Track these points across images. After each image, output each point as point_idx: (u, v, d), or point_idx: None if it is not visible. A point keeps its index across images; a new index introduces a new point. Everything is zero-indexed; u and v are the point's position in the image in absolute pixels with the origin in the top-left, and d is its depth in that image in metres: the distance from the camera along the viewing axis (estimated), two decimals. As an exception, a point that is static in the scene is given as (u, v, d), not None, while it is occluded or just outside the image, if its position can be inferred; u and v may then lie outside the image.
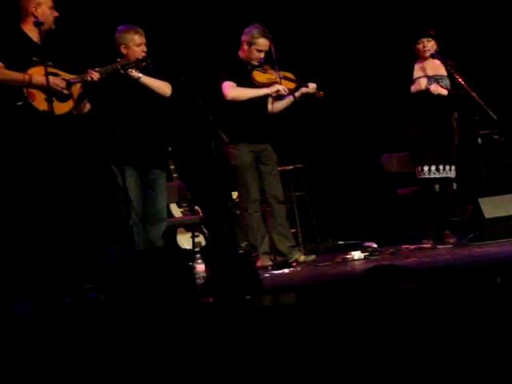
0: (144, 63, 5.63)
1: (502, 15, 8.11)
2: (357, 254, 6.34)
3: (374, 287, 3.44)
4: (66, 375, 3.11)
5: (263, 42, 6.34)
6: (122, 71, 5.44)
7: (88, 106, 5.38)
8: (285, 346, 2.98)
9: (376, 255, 6.35)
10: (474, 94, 6.54)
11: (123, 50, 5.63)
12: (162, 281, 3.27)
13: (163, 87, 5.71)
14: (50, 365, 3.18)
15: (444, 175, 6.57)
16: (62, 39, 5.13)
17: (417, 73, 6.66)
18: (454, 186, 6.73)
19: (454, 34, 7.86)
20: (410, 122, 6.67)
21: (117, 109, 5.61)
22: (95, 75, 5.14)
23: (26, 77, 4.83)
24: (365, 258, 6.30)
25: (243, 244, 7.44)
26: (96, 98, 5.41)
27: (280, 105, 6.64)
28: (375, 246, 7.00)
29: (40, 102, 4.88)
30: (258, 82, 6.38)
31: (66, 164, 4.95)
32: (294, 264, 6.36)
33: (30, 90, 4.85)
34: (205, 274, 6.21)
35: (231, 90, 6.31)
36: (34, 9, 4.97)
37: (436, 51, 6.61)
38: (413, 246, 6.55)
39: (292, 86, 6.50)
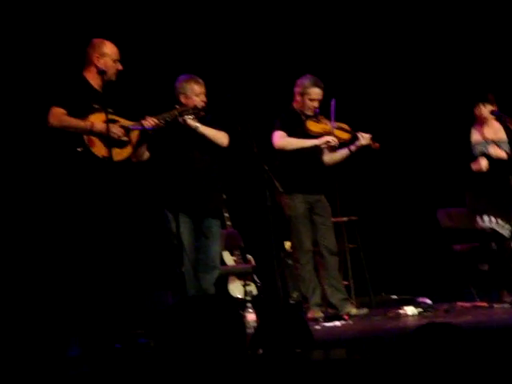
0: (202, 112, 5.69)
1: None
2: (410, 310, 6.24)
3: (427, 346, 3.37)
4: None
5: (316, 91, 6.39)
6: (180, 119, 5.50)
7: (147, 154, 5.46)
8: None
9: (430, 311, 6.25)
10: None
11: (182, 99, 5.70)
12: (213, 329, 3.25)
13: (220, 137, 5.76)
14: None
15: (499, 230, 6.45)
16: (121, 86, 5.22)
17: (474, 136, 6.63)
18: (512, 244, 6.61)
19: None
20: (468, 189, 6.61)
21: (174, 156, 5.67)
22: (153, 122, 5.20)
23: (88, 124, 4.92)
24: (418, 313, 6.20)
25: (295, 295, 7.38)
26: (154, 145, 5.48)
27: (335, 157, 6.64)
28: (429, 301, 6.89)
29: (99, 148, 4.95)
30: (312, 132, 6.41)
31: (122, 209, 5.00)
32: (346, 317, 6.28)
33: (90, 136, 4.93)
34: (255, 324, 6.16)
35: (280, 140, 6.35)
36: (96, 59, 5.09)
37: (493, 111, 6.56)
38: (468, 304, 6.43)
39: (346, 136, 6.51)
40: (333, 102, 6.39)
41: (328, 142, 6.38)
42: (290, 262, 7.31)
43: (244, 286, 7.31)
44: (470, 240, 6.81)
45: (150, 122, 5.19)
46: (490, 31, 8.15)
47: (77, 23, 7.05)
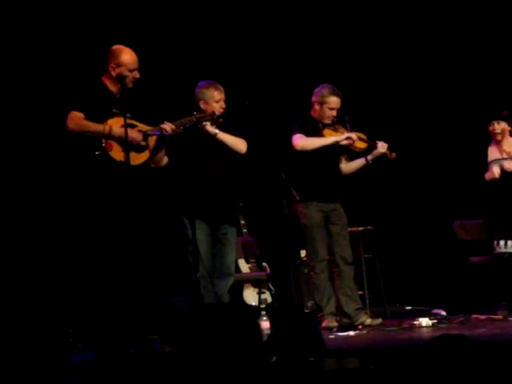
0: (221, 119, 5.71)
1: None
2: (424, 321, 6.22)
3: (441, 357, 3.36)
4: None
5: (334, 100, 6.40)
6: (198, 125, 5.52)
7: (166, 160, 5.48)
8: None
9: (444, 323, 6.23)
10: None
11: (202, 105, 5.72)
12: (229, 336, 3.26)
13: (239, 144, 5.77)
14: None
15: None
16: (140, 91, 5.24)
17: (491, 154, 6.61)
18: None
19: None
20: (486, 200, 6.59)
21: (192, 162, 5.69)
22: (171, 127, 5.23)
23: (106, 128, 4.94)
24: (433, 325, 6.18)
25: (309, 303, 7.38)
26: (173, 150, 5.50)
27: (352, 166, 6.64)
28: (444, 313, 6.87)
29: (117, 152, 4.98)
30: None
31: (139, 214, 5.01)
32: (360, 327, 6.28)
33: (108, 140, 4.96)
34: (269, 331, 6.17)
35: (300, 140, 6.37)
36: (112, 68, 5.10)
37: (510, 131, 6.54)
38: (483, 316, 6.40)
39: (363, 145, 6.51)
40: (346, 118, 6.41)
41: (349, 137, 6.39)
42: (305, 270, 7.31)
43: (259, 293, 7.31)
44: (487, 252, 6.77)
45: (168, 127, 5.22)
46: (506, 49, 8.14)
47: (98, 28, 7.11)
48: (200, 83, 5.82)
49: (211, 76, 5.93)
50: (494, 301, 6.66)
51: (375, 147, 6.50)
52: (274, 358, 3.98)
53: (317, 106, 6.47)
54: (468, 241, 7.35)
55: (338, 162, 6.58)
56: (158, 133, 5.20)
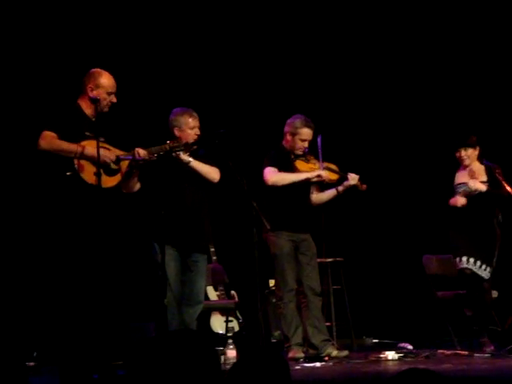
0: (195, 146, 5.71)
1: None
2: (391, 354, 6.22)
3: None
4: None
5: (306, 132, 6.42)
6: (172, 153, 5.51)
7: (138, 185, 5.46)
8: None
9: (411, 357, 6.23)
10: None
11: (176, 132, 5.72)
12: (187, 365, 3.22)
13: (212, 173, 5.77)
14: None
15: (479, 272, 6.47)
16: (114, 116, 5.24)
17: (457, 179, 6.68)
18: (495, 293, 6.63)
19: (499, 138, 7.89)
20: (451, 229, 6.66)
21: (164, 189, 5.68)
22: (143, 154, 5.22)
23: (79, 148, 4.93)
24: (399, 359, 6.17)
25: (276, 333, 7.36)
26: (146, 176, 5.49)
27: (323, 196, 6.65)
28: (410, 347, 6.88)
29: (88, 174, 4.96)
30: (301, 172, 6.44)
31: (108, 237, 4.98)
32: (327, 358, 6.26)
33: (80, 161, 4.94)
34: (235, 360, 6.13)
35: (272, 175, 6.37)
36: (90, 89, 5.11)
37: (479, 157, 6.63)
38: (449, 352, 6.41)
39: (335, 177, 6.54)
40: (319, 139, 6.42)
41: (319, 175, 6.41)
42: (273, 299, 7.29)
43: (226, 321, 7.28)
44: (454, 287, 6.81)
45: (141, 152, 5.21)
46: (474, 75, 8.26)
47: (74, 52, 7.10)
48: (174, 110, 5.82)
49: (185, 103, 5.94)
50: (460, 336, 6.68)
51: (346, 178, 6.53)
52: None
53: (289, 137, 6.49)
54: (436, 275, 7.39)
55: (309, 192, 6.59)
56: (131, 157, 5.19)
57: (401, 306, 8.18)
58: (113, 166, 5.08)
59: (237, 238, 7.68)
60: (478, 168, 6.68)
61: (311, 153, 6.50)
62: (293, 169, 6.44)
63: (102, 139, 4.98)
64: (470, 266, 6.46)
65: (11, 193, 6.87)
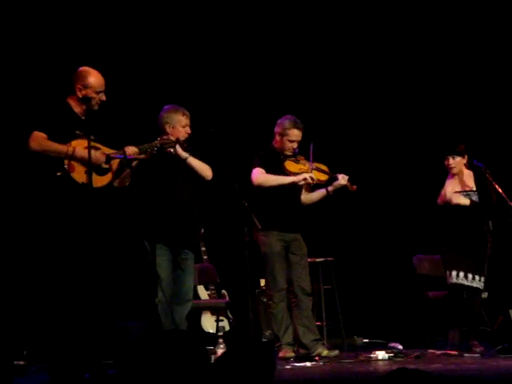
0: (185, 144, 5.71)
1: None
2: (381, 354, 6.23)
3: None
4: None
5: (295, 133, 6.42)
6: (165, 150, 5.50)
7: (129, 180, 5.45)
8: None
9: (401, 357, 6.24)
10: (511, 203, 6.54)
11: (168, 129, 5.71)
12: (178, 365, 3.23)
13: (206, 170, 5.77)
14: None
15: (472, 284, 6.52)
16: (104, 115, 5.23)
17: (446, 188, 6.71)
18: (486, 294, 6.66)
19: (491, 145, 7.92)
20: (443, 231, 6.68)
21: (157, 186, 5.67)
22: (134, 151, 5.21)
23: (70, 149, 4.92)
24: (389, 358, 6.19)
25: (267, 333, 7.36)
26: (137, 173, 5.47)
27: (313, 196, 6.65)
28: (400, 347, 6.89)
29: (79, 174, 4.95)
30: (290, 172, 6.43)
31: (99, 236, 4.97)
32: (317, 358, 6.26)
33: (70, 161, 4.93)
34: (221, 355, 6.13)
35: (258, 176, 6.37)
36: (78, 89, 5.09)
37: (466, 164, 6.66)
38: (439, 352, 6.43)
39: (324, 177, 6.54)
40: (311, 146, 6.44)
41: (305, 179, 6.41)
42: (264, 299, 7.29)
43: (217, 321, 7.28)
44: (445, 287, 6.82)
45: (131, 151, 5.20)
46: (461, 84, 8.29)
47: (63, 50, 7.09)
48: (166, 107, 5.81)
49: (176, 101, 5.93)
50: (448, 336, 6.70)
51: (336, 179, 6.54)
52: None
53: (278, 137, 6.49)
54: (427, 275, 7.41)
55: (300, 192, 6.60)
56: (122, 156, 5.18)
57: (391, 306, 8.19)
58: (103, 165, 5.07)
59: (228, 238, 7.69)
60: (467, 175, 6.72)
61: (302, 153, 6.50)
62: (282, 169, 6.44)
63: (92, 137, 4.97)
64: (459, 281, 6.51)
65: (2, 194, 6.85)
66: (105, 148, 5.12)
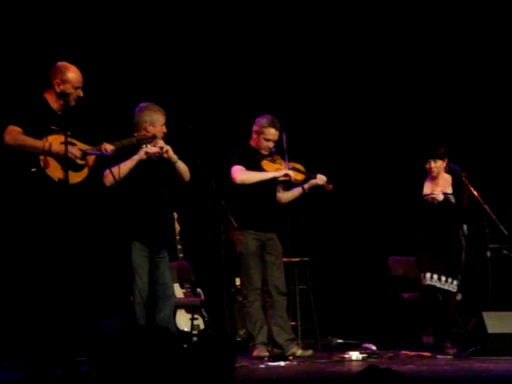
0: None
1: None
2: (355, 355, 6.25)
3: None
4: None
5: (271, 132, 6.43)
6: (141, 146, 5.49)
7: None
8: None
9: (374, 358, 6.27)
10: (486, 207, 6.61)
11: (148, 128, 5.68)
12: (152, 361, 3.22)
13: (187, 172, 5.78)
14: None
15: (445, 287, 6.57)
16: (81, 111, 5.20)
17: (426, 189, 6.76)
18: (459, 296, 6.72)
19: (470, 149, 7.97)
20: (418, 233, 6.73)
21: (134, 185, 5.64)
22: (110, 148, 5.19)
23: (46, 144, 4.89)
24: (363, 359, 6.21)
25: (242, 332, 7.36)
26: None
27: (289, 195, 6.66)
28: (374, 348, 6.91)
29: (54, 170, 4.92)
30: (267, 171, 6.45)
31: (74, 233, 4.95)
32: (291, 358, 6.27)
33: (46, 157, 4.89)
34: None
35: (240, 174, 6.37)
36: (57, 84, 5.06)
37: (446, 168, 6.71)
38: (412, 353, 6.47)
39: (301, 177, 6.56)
40: (284, 135, 6.44)
41: (286, 175, 6.42)
42: (239, 298, 7.29)
43: (192, 319, 7.27)
44: (419, 289, 6.86)
45: (107, 147, 5.18)
46: (442, 87, 8.34)
47: (40, 44, 7.04)
48: (144, 105, 5.77)
49: (152, 98, 5.90)
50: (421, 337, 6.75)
51: (313, 178, 6.56)
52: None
53: (255, 135, 6.50)
54: (402, 277, 7.45)
55: (276, 191, 6.60)
56: (99, 153, 5.16)
57: (366, 306, 8.22)
58: (79, 161, 5.05)
59: (204, 236, 7.67)
60: (446, 178, 6.77)
61: (278, 153, 6.51)
62: (259, 169, 6.45)
63: (68, 133, 4.94)
64: (433, 283, 6.57)
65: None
66: (81, 144, 5.09)
